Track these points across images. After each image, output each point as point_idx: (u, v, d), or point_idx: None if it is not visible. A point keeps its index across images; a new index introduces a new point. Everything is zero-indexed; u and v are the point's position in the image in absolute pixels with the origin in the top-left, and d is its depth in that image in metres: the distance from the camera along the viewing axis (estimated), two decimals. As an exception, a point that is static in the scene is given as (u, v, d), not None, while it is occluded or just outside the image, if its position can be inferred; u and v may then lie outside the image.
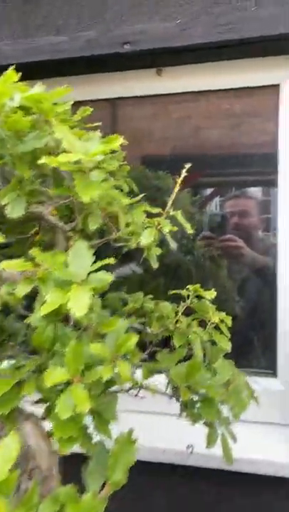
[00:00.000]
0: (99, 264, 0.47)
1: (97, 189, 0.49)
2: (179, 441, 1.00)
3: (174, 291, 0.76)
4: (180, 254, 1.27)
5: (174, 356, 0.60)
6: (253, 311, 1.23)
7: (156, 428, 1.06)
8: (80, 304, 0.43)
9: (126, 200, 0.54)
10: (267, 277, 1.15)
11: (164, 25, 0.98)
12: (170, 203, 0.59)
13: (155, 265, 0.65)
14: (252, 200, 1.24)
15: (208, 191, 1.28)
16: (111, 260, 0.46)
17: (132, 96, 1.14)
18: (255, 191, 1.25)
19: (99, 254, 0.49)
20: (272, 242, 1.14)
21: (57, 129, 0.49)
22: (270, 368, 1.11)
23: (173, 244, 0.60)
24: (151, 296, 0.82)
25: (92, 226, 0.52)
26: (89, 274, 0.47)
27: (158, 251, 0.65)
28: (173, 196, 0.58)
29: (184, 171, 0.58)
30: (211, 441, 0.56)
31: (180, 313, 0.73)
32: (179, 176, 0.59)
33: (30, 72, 1.09)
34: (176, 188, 0.58)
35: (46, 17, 1.10)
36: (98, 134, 0.56)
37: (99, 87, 1.14)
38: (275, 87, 1.09)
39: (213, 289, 0.72)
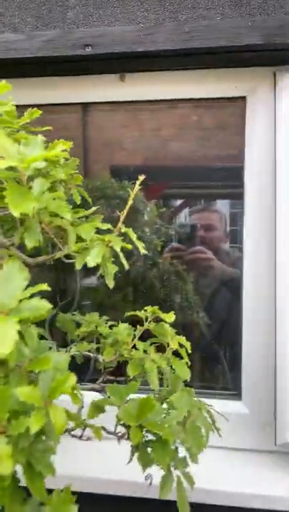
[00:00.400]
0: (32, 290, 0.40)
1: (34, 201, 0.42)
2: (135, 470, 0.92)
3: (130, 313, 0.69)
4: (148, 266, 1.21)
5: (126, 390, 0.53)
6: (219, 329, 1.19)
7: (109, 456, 0.97)
8: (4, 339, 0.36)
9: (69, 214, 0.47)
10: (236, 291, 1.11)
11: (127, 29, 0.93)
12: (122, 218, 0.52)
13: (111, 284, 0.58)
14: (220, 213, 1.21)
15: (173, 202, 1.23)
16: (44, 286, 0.39)
17: (93, 101, 1.08)
18: (223, 204, 1.22)
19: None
20: (240, 255, 1.10)
21: (-14, 130, 0.41)
22: (234, 390, 1.06)
23: (126, 265, 0.54)
24: (106, 317, 0.76)
25: (29, 243, 0.45)
26: (21, 301, 0.40)
27: (114, 268, 0.59)
28: (125, 211, 0.52)
29: (138, 182, 0.53)
30: (164, 488, 0.50)
31: (136, 338, 0.67)
32: (132, 190, 0.53)
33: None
34: (130, 202, 0.52)
35: (2, 14, 1.03)
36: (41, 138, 0.49)
37: (58, 90, 1.07)
38: (243, 99, 1.07)
39: (172, 312, 0.67)
